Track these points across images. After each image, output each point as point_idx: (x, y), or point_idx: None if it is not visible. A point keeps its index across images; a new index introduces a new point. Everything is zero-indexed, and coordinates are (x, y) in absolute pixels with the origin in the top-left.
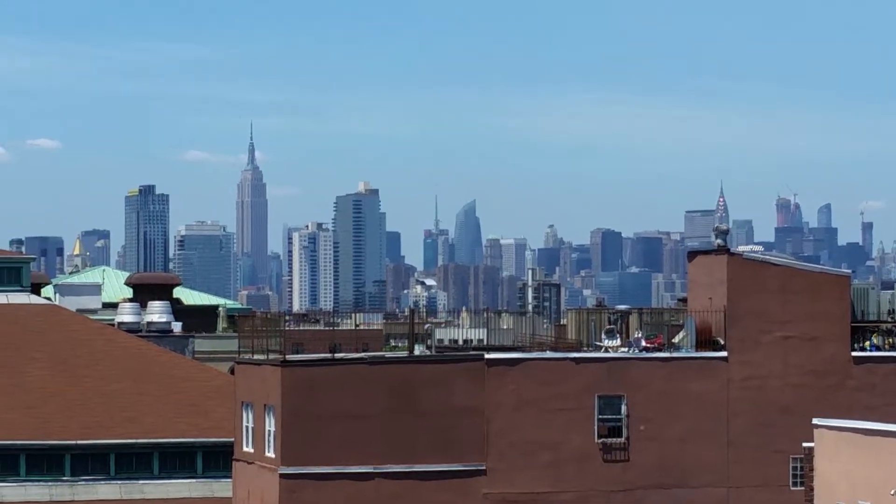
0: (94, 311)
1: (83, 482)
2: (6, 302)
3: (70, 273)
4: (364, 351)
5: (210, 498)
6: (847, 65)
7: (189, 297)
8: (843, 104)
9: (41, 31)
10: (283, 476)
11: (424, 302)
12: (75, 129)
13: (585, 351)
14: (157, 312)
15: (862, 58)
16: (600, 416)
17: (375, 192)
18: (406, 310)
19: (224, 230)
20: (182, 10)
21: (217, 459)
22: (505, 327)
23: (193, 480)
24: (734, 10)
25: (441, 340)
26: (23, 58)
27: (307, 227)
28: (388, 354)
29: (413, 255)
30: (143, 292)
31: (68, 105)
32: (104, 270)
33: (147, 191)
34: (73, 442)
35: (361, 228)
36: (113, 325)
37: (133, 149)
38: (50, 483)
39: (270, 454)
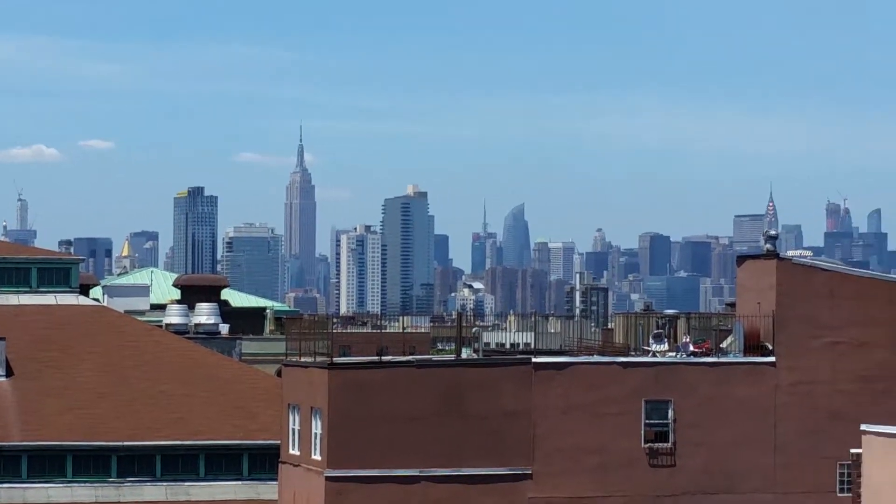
0: (142, 313)
1: (129, 483)
2: (55, 303)
3: (118, 274)
4: (411, 354)
5: (256, 500)
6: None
7: (237, 299)
8: (894, 109)
9: (95, 34)
10: (329, 479)
11: (472, 305)
12: (128, 131)
13: (633, 355)
14: (204, 314)
15: None
16: (647, 421)
17: (424, 194)
18: (453, 313)
19: (272, 232)
20: (232, 12)
21: (263, 462)
22: (552, 331)
23: (239, 482)
24: (786, 17)
25: (488, 344)
26: (77, 60)
27: (355, 229)
28: (436, 358)
29: (461, 258)
30: (190, 294)
31: (121, 106)
32: (152, 272)
33: (196, 192)
34: (120, 443)
35: (410, 231)
36: (161, 326)
37: (184, 150)
38: (96, 484)
39: (317, 457)
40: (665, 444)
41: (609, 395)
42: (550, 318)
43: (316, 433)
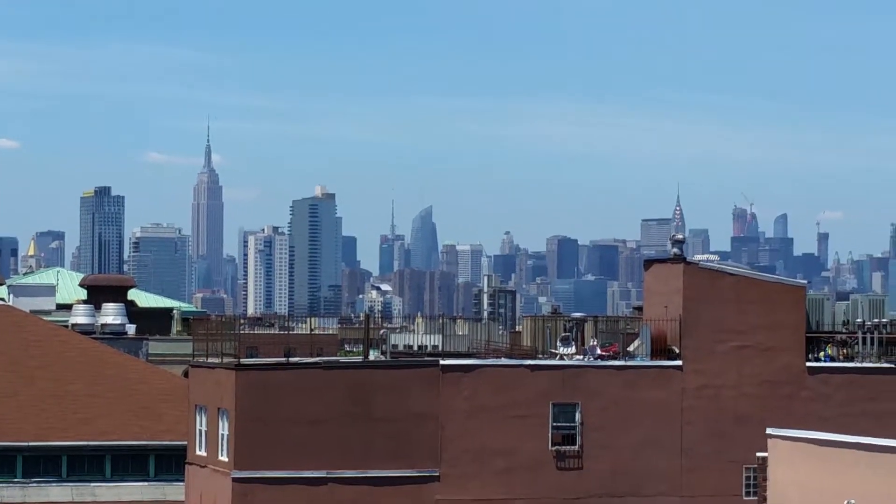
0: (48, 313)
1: (34, 484)
2: None
3: (24, 274)
4: (319, 355)
5: (162, 501)
6: (805, 76)
7: (143, 299)
8: (801, 115)
9: (1, 32)
10: (235, 480)
11: (380, 307)
12: (34, 130)
13: (540, 358)
14: (111, 314)
15: (819, 69)
16: (554, 424)
17: (332, 196)
18: (361, 315)
19: (179, 233)
20: (141, 12)
21: (170, 462)
22: (460, 333)
23: (146, 483)
24: (693, 20)
25: (396, 346)
26: None
27: (263, 230)
28: (343, 359)
29: (369, 260)
30: (97, 294)
31: (28, 105)
32: (58, 271)
33: (103, 192)
34: (25, 443)
35: (317, 233)
36: (67, 326)
37: (91, 150)
38: (1, 485)
39: (223, 458)
40: (572, 447)
41: (516, 398)
42: (458, 321)
43: (223, 434)
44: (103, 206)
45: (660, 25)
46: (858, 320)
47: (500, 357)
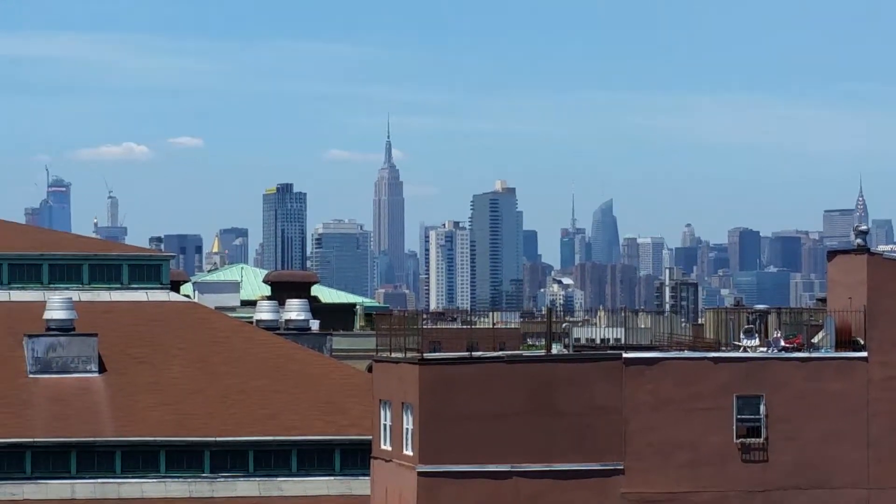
0: (232, 309)
1: (222, 479)
2: (146, 300)
3: (209, 271)
4: (501, 350)
5: (348, 495)
6: None
7: (327, 295)
8: None
9: (185, 32)
10: (421, 474)
11: (561, 301)
12: (218, 128)
13: (724, 351)
14: (295, 310)
15: None
16: (739, 416)
17: (512, 190)
18: (543, 308)
19: (361, 228)
20: (321, 11)
21: (355, 457)
22: (642, 326)
23: (331, 478)
24: (873, 13)
25: (578, 339)
26: (167, 58)
27: (444, 225)
28: (526, 353)
29: (550, 253)
30: (280, 290)
31: (212, 104)
32: (242, 268)
33: (285, 189)
34: (213, 439)
35: (498, 227)
36: (251, 322)
37: (273, 147)
38: (189, 479)
39: (408, 452)
40: (757, 440)
41: (700, 391)
42: (640, 314)
43: (407, 428)
44: (285, 203)
45: (844, 19)
46: None
47: (683, 350)
